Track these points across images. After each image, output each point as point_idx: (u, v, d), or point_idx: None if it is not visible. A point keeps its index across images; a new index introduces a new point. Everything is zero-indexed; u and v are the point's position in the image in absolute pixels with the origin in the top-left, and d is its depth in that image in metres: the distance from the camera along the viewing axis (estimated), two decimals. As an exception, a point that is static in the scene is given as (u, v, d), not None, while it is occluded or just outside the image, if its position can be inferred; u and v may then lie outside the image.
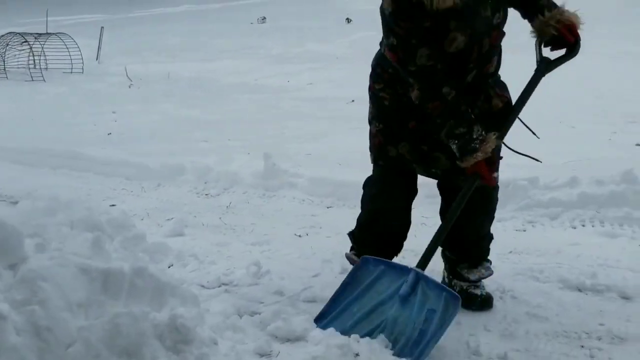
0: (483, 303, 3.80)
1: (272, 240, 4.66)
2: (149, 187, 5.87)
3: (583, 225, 4.77)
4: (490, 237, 3.94)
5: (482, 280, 3.87)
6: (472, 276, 3.87)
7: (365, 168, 5.57)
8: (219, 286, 3.98)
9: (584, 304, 3.74)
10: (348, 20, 13.14)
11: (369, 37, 11.91)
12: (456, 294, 3.41)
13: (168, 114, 7.97)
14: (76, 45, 10.08)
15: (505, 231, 4.76)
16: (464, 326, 3.55)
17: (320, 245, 4.48)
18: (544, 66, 3.53)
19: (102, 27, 11.11)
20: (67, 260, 3.05)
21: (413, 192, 3.90)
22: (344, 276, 3.85)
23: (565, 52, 3.54)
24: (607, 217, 4.79)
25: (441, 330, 3.37)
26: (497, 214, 4.86)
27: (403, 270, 3.56)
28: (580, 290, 3.88)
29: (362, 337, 3.42)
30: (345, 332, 3.50)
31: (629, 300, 3.77)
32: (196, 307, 3.21)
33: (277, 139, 6.76)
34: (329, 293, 3.88)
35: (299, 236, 4.74)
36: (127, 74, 9.67)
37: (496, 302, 3.79)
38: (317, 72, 9.83)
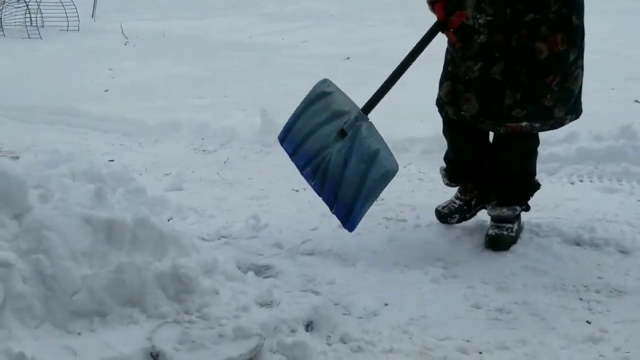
0: (490, 242, 3.91)
1: (270, 195, 4.69)
2: (146, 142, 5.87)
3: (581, 181, 4.81)
4: (524, 182, 3.98)
5: (512, 225, 3.93)
6: (491, 211, 3.99)
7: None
8: (219, 239, 4.02)
9: (582, 258, 3.79)
10: (342, -22, 13.04)
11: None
12: (393, 162, 3.58)
13: (164, 70, 7.95)
14: (72, 3, 10.03)
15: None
16: (461, 279, 3.60)
17: (317, 200, 4.46)
18: None
19: (96, -16, 11.07)
20: (70, 211, 3.07)
21: (473, 136, 4.00)
22: (342, 230, 3.92)
23: None
24: (605, 172, 4.82)
25: (375, 192, 3.62)
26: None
27: (351, 105, 3.82)
28: (578, 244, 3.92)
29: (310, 157, 3.79)
30: (298, 147, 3.87)
31: (627, 254, 3.82)
32: (198, 256, 3.24)
33: (272, 96, 6.75)
34: (328, 246, 3.95)
35: (296, 191, 4.76)
36: (123, 32, 9.62)
37: (493, 256, 3.83)
38: (311, 30, 9.80)
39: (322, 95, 3.89)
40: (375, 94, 3.86)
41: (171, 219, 4.22)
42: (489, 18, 3.66)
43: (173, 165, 5.30)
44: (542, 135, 5.02)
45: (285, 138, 3.94)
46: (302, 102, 3.94)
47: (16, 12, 10.13)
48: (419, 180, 4.90)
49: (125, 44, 9.30)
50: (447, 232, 4.08)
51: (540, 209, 4.31)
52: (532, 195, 4.00)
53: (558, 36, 3.61)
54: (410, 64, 3.82)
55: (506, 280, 3.59)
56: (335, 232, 4.10)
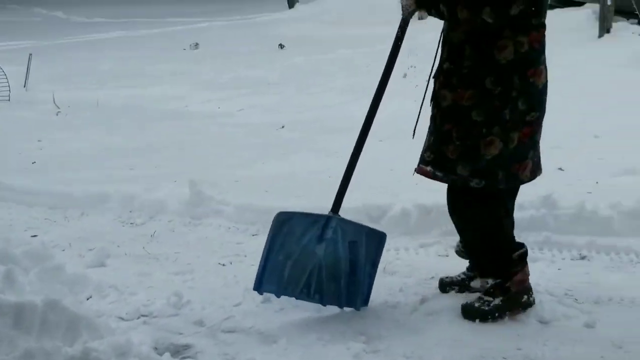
0: (462, 310, 3.92)
1: (196, 269, 4.63)
2: (72, 216, 5.79)
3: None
4: (484, 251, 3.96)
5: (491, 299, 3.91)
6: (472, 283, 4.03)
7: (291, 194, 5.61)
8: (138, 317, 3.94)
9: (502, 329, 3.78)
10: (281, 46, 13.17)
11: (301, 62, 12.02)
12: (376, 230, 3.88)
13: (95, 141, 7.89)
14: (3, 73, 9.96)
15: (429, 256, 4.80)
16: (383, 353, 3.58)
17: (243, 274, 4.46)
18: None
19: (30, 54, 10.96)
20: (-24, 295, 3.00)
21: None
22: (267, 305, 3.95)
23: None
24: (527, 241, 4.80)
25: (372, 266, 3.89)
26: (420, 239, 4.94)
27: (315, 216, 3.94)
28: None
29: (303, 283, 3.91)
30: (284, 283, 3.93)
31: (546, 324, 3.83)
32: (111, 339, 3.17)
33: (204, 166, 6.73)
34: (250, 323, 3.89)
35: (223, 265, 4.72)
36: (55, 102, 9.55)
37: (417, 328, 3.81)
38: (248, 98, 9.81)
39: (282, 225, 3.97)
40: (339, 190, 4.01)
41: (90, 297, 4.14)
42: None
43: (98, 239, 5.22)
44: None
45: (261, 285, 4.00)
46: (266, 243, 3.99)
47: (-55, 82, 10.04)
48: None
49: (57, 114, 9.22)
50: (372, 304, 4.05)
51: (465, 279, 4.31)
52: (500, 268, 3.93)
53: (466, 92, 3.68)
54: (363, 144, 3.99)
55: (428, 353, 3.57)
56: (259, 308, 4.06)
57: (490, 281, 3.93)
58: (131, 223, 5.61)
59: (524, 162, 3.80)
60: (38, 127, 8.55)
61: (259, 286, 3.97)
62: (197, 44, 13.72)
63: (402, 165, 6.05)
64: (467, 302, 3.95)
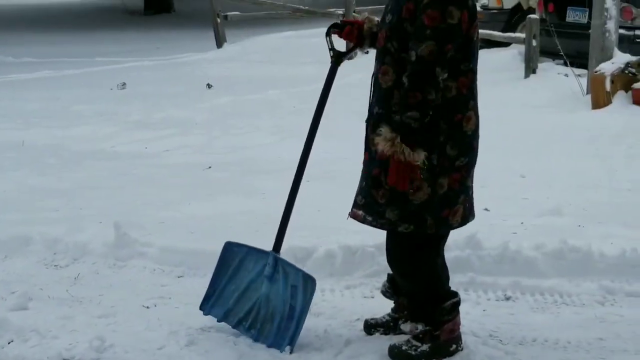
0: (388, 350, 3.99)
1: (119, 312, 4.59)
2: (-5, 259, 5.69)
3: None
4: (425, 302, 3.97)
5: (419, 344, 3.97)
6: (403, 325, 4.06)
7: (217, 236, 5.58)
8: (60, 362, 3.90)
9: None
10: (209, 85, 13.16)
11: (229, 102, 12.03)
12: (311, 276, 4.01)
13: (20, 182, 7.77)
14: None
15: (354, 298, 4.83)
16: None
17: (167, 317, 4.44)
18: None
19: (-45, 94, 10.80)
20: None
21: None
22: (190, 348, 3.95)
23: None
24: (452, 282, 4.89)
25: (304, 312, 4.00)
26: (345, 281, 4.97)
27: (262, 253, 4.16)
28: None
29: (243, 315, 4.14)
30: (229, 311, 4.19)
31: (471, 366, 3.87)
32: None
33: (130, 207, 6.67)
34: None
35: (147, 307, 4.69)
36: (-20, 142, 9.41)
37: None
38: (175, 138, 9.78)
39: (235, 256, 4.24)
40: (279, 229, 4.23)
41: (11, 342, 4.08)
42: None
43: (21, 282, 5.15)
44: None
45: (209, 308, 4.29)
46: (216, 270, 4.27)
47: None
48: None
49: (-18, 155, 9.08)
50: (296, 345, 4.05)
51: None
52: (431, 315, 3.96)
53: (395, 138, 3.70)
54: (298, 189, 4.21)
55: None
56: (183, 351, 4.05)
57: (420, 327, 3.97)
58: (55, 265, 5.55)
59: (454, 207, 3.84)
60: (-41, 169, 8.40)
61: (206, 307, 4.27)
62: (124, 84, 13.65)
63: (329, 207, 6.11)
64: (394, 344, 3.99)
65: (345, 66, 4.25)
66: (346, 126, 7.59)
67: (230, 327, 4.24)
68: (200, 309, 4.31)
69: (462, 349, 4.00)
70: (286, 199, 4.23)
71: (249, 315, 4.17)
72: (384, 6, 3.96)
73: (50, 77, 15.43)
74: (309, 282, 4.02)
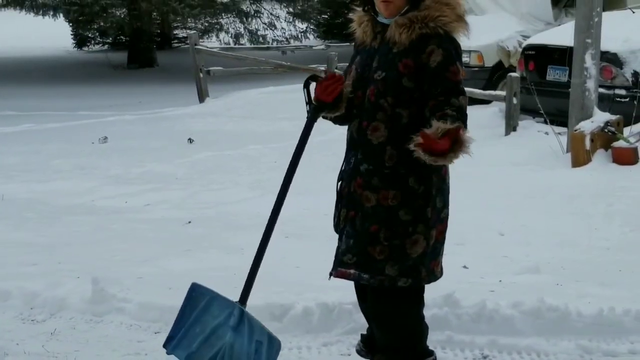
0: None
1: (96, 369, 4.57)
2: (-28, 313, 5.66)
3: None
4: (398, 356, 3.97)
5: None
6: None
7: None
8: (33, 419, 3.87)
9: None
10: (190, 140, 13.21)
11: (210, 157, 12.06)
12: (276, 337, 3.97)
13: (-1, 236, 7.76)
14: None
15: (331, 355, 4.83)
16: None
17: (141, 375, 4.42)
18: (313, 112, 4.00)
19: None
20: None
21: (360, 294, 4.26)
22: None
23: None
24: (430, 340, 4.88)
25: None
26: (322, 338, 4.96)
27: (228, 302, 4.11)
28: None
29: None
30: (192, 354, 4.09)
31: None
32: None
33: (108, 262, 6.66)
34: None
35: (124, 363, 4.66)
36: (-44, 196, 9.37)
37: None
38: (156, 193, 9.78)
39: (200, 299, 4.18)
40: (246, 282, 4.20)
41: (-16, 399, 4.05)
42: (342, 167, 3.94)
43: (-3, 337, 5.12)
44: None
45: (173, 348, 4.21)
46: (182, 310, 4.22)
47: None
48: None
49: (-39, 208, 9.05)
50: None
51: (366, 378, 4.33)
52: None
53: (390, 192, 3.75)
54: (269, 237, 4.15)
55: None
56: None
57: None
58: (32, 320, 5.52)
59: (437, 258, 3.92)
60: (-61, 222, 8.37)
61: (169, 346, 4.19)
62: (106, 138, 13.67)
63: (307, 262, 6.12)
64: None
65: (324, 122, 4.26)
66: (325, 182, 7.61)
67: None
68: (164, 346, 4.23)
69: None
70: (255, 252, 4.20)
71: None
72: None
73: (32, 130, 15.43)
74: (274, 342, 3.99)
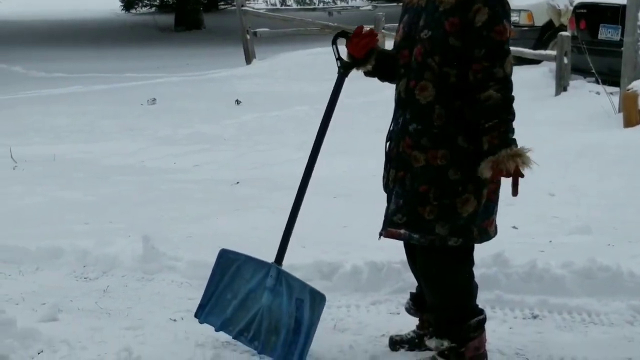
0: None
1: (147, 325, 4.63)
2: (26, 270, 5.76)
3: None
4: (443, 308, 3.98)
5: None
6: (428, 341, 4.06)
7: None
8: (88, 372, 3.94)
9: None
10: (237, 102, 13.24)
11: (257, 118, 12.10)
12: (320, 293, 3.94)
13: (50, 196, 7.86)
14: (-40, 126, 9.95)
15: (379, 314, 4.83)
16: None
17: (194, 330, 4.47)
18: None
19: (-12, 108, 10.96)
20: None
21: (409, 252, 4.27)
22: None
23: None
24: (479, 299, 4.88)
25: (313, 327, 3.93)
26: (370, 297, 4.97)
27: (263, 263, 4.11)
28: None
29: (244, 325, 4.07)
30: (227, 320, 4.14)
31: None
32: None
33: (158, 221, 6.72)
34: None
35: (174, 320, 4.72)
36: (12, 156, 9.50)
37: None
38: (204, 154, 9.84)
39: (231, 264, 4.21)
40: (281, 241, 4.20)
41: (41, 352, 4.13)
42: (390, 127, 3.92)
43: (51, 294, 5.21)
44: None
45: (205, 316, 4.24)
46: (211, 277, 4.23)
47: None
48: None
49: (14, 169, 9.18)
50: (322, 361, 4.07)
51: (416, 336, 4.34)
52: (458, 331, 3.96)
53: (439, 152, 3.73)
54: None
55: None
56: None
57: (446, 343, 3.96)
58: (85, 278, 5.60)
59: (491, 217, 3.90)
60: (-6, 182, 8.51)
61: (201, 315, 4.22)
62: (154, 100, 13.75)
63: (354, 222, 6.13)
64: None
65: (363, 85, 4.24)
66: (371, 143, 7.62)
67: (230, 337, 4.24)
68: (195, 316, 4.28)
69: None
70: (289, 211, 4.23)
71: (251, 326, 4.13)
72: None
73: (81, 92, 15.58)
74: (317, 298, 3.97)
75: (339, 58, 4.05)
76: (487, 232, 3.89)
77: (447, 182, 3.75)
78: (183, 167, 9.24)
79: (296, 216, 4.18)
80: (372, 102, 9.86)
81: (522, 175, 3.66)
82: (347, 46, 4.02)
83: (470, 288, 4.01)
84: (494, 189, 3.86)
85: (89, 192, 8.04)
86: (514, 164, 3.62)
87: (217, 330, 4.24)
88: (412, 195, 3.82)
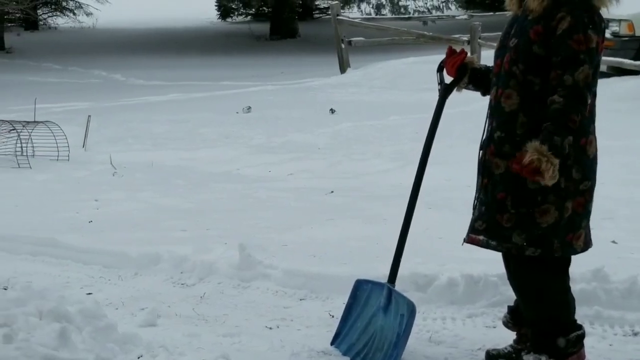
0: None
1: (243, 332, 4.69)
2: (126, 275, 5.91)
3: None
4: (536, 322, 3.97)
5: None
6: (526, 357, 4.02)
7: (338, 260, 5.65)
8: (187, 379, 4.01)
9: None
10: (332, 110, 13.30)
11: (351, 127, 12.15)
12: (412, 301, 4.04)
13: (149, 202, 8.03)
14: (63, 133, 10.19)
15: (476, 327, 4.79)
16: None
17: (290, 339, 4.52)
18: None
19: (89, 116, 11.24)
20: (33, 351, 3.09)
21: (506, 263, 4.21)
22: None
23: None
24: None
25: (406, 332, 3.99)
26: (467, 310, 4.94)
27: (380, 286, 4.24)
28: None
29: (361, 346, 4.20)
30: (352, 345, 4.28)
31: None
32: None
33: (254, 229, 6.81)
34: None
35: (270, 329, 4.77)
36: (112, 162, 9.75)
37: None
38: (298, 162, 9.92)
39: (362, 294, 4.37)
40: (394, 260, 4.28)
41: (141, 356, 4.21)
42: (482, 136, 3.97)
43: (150, 299, 5.32)
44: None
45: (338, 343, 4.40)
46: (347, 306, 4.43)
47: (7, 141, 10.28)
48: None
49: (114, 175, 9.40)
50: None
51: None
52: (556, 346, 3.92)
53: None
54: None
55: None
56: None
57: (544, 358, 3.93)
58: (182, 284, 5.70)
59: (578, 231, 3.82)
60: (95, 187, 8.74)
61: (336, 342, 4.39)
62: (249, 108, 13.92)
63: (450, 234, 6.09)
64: None
65: (461, 95, 4.29)
66: (465, 153, 7.59)
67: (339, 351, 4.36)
68: (331, 344, 4.40)
69: None
70: (400, 228, 4.26)
71: (365, 347, 4.22)
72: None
73: (178, 99, 15.87)
74: (411, 309, 4.04)
75: (440, 82, 4.19)
76: (571, 244, 3.82)
77: (525, 190, 3.72)
78: (278, 175, 9.33)
79: (407, 231, 4.25)
80: (469, 111, 9.80)
81: (540, 176, 3.54)
82: (445, 68, 4.19)
83: (564, 301, 3.95)
84: (583, 203, 3.80)
85: (187, 198, 8.18)
86: (534, 159, 3.52)
87: (343, 354, 4.33)
88: (492, 202, 3.82)
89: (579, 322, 4.06)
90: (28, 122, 10.55)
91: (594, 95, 3.75)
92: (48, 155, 10.21)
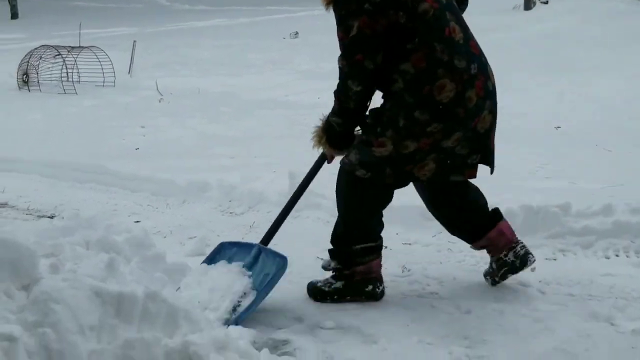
0: (306, 288, 4.17)
1: (293, 262, 4.53)
2: (174, 203, 5.82)
3: (617, 255, 4.59)
4: (337, 237, 4.14)
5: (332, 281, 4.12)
6: (324, 262, 4.23)
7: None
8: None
9: (615, 340, 3.58)
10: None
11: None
12: (283, 254, 4.02)
13: (196, 129, 7.91)
14: (108, 59, 10.08)
15: (536, 259, 4.63)
16: (487, 359, 3.44)
17: (343, 270, 4.37)
18: None
19: (135, 41, 11.12)
20: (80, 282, 2.97)
21: None
22: (369, 304, 3.92)
23: None
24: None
25: (266, 288, 3.88)
26: (527, 241, 4.78)
27: (250, 246, 4.15)
28: (612, 324, 3.73)
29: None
30: None
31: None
32: (210, 332, 3.12)
33: (303, 156, 6.59)
34: (350, 321, 3.80)
35: (321, 259, 4.63)
36: (158, 88, 9.63)
37: (523, 335, 3.66)
38: (348, 89, 9.72)
39: (220, 258, 4.17)
40: (272, 226, 4.31)
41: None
42: None
43: (199, 227, 5.23)
44: (577, 206, 4.88)
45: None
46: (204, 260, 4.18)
47: (53, 67, 10.20)
48: (448, 251, 4.75)
49: (160, 101, 9.29)
50: (476, 308, 3.92)
51: (573, 284, 4.14)
52: (340, 252, 4.12)
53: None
54: (302, 195, 4.41)
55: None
56: (360, 305, 3.98)
57: (333, 264, 4.12)
58: (231, 212, 5.59)
59: (421, 162, 3.83)
60: (141, 114, 8.65)
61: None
62: (297, 33, 13.69)
63: (504, 163, 5.90)
64: (313, 280, 4.15)
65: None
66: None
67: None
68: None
69: (381, 293, 4.04)
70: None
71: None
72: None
73: (223, 25, 15.70)
74: (280, 264, 4.00)
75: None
76: (411, 173, 3.86)
77: (368, 124, 3.90)
78: (326, 102, 9.11)
79: (292, 205, 4.43)
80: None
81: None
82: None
83: (361, 216, 4.06)
84: (430, 142, 3.76)
85: (234, 126, 8.06)
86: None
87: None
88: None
89: None
90: (73, 48, 10.46)
91: (428, 45, 3.67)
92: (94, 81, 10.13)
